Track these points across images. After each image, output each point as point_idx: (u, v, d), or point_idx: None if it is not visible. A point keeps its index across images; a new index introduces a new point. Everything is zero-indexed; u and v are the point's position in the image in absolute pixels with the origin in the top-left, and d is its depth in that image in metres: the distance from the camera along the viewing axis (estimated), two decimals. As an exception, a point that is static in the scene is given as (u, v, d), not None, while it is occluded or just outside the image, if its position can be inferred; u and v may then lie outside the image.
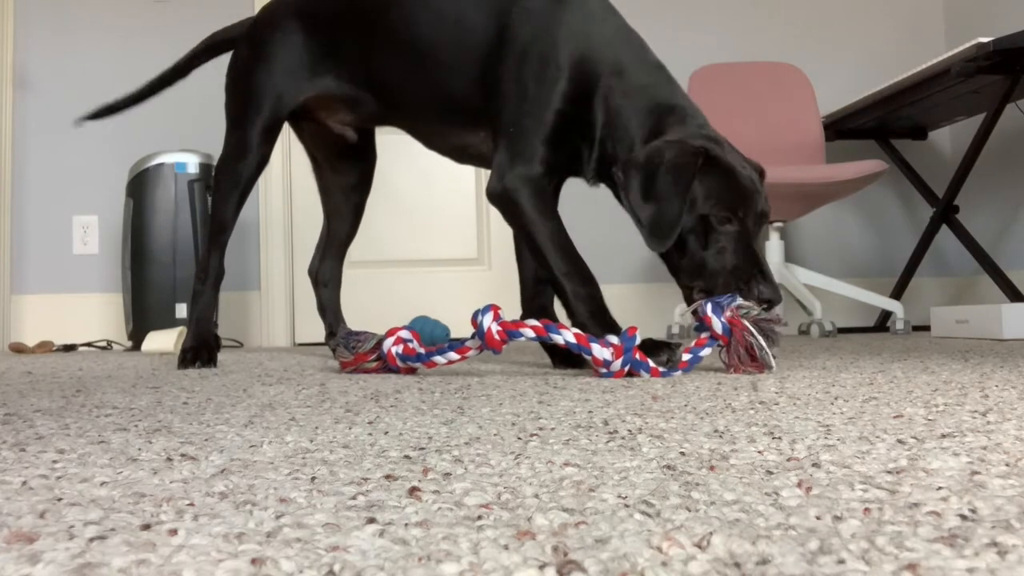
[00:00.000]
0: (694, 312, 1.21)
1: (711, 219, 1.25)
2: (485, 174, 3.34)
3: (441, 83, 1.46)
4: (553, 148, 1.34)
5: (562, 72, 1.33)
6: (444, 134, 1.53)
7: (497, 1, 1.41)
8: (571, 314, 1.30)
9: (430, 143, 1.59)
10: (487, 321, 1.17)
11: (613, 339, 1.16)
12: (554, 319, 1.51)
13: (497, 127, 1.38)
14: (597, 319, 1.27)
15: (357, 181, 1.86)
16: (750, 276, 1.24)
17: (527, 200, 1.32)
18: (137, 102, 1.89)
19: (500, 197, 1.35)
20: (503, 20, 1.39)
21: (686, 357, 1.20)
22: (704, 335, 1.20)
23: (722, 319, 1.18)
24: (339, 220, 1.87)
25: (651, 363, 1.16)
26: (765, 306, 1.21)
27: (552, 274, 1.31)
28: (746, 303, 1.19)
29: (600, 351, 1.14)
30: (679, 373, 1.19)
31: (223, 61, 1.88)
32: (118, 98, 1.90)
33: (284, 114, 1.66)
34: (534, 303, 1.53)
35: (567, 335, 1.15)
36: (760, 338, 1.16)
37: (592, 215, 3.24)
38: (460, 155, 1.57)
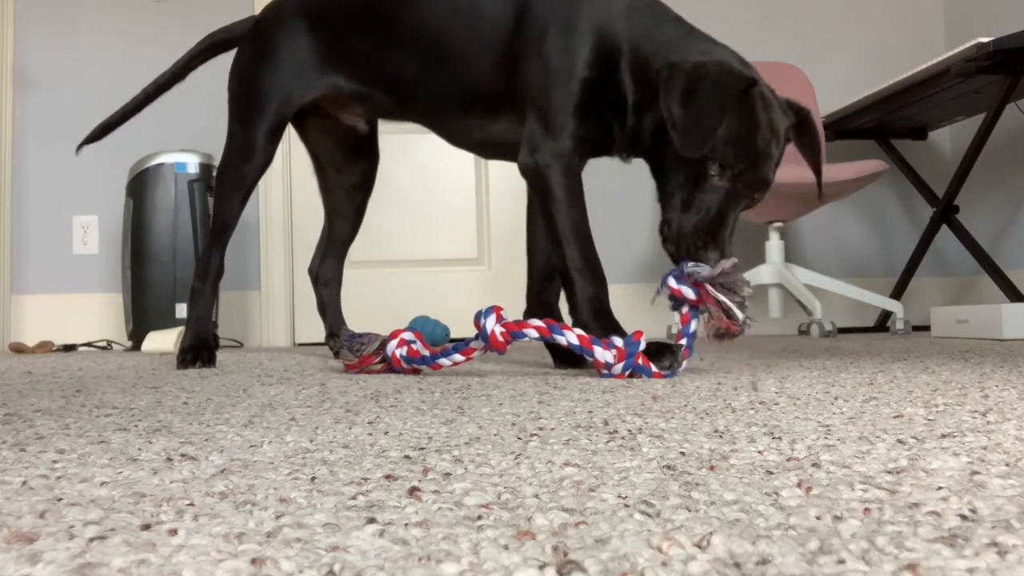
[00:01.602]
0: (662, 293, 1.20)
1: (709, 162, 1.20)
2: (486, 174, 3.34)
3: (459, 73, 1.44)
4: (583, 120, 1.32)
5: (585, 40, 1.32)
6: (467, 127, 1.51)
7: None
8: (574, 310, 1.29)
9: (455, 139, 1.57)
10: (490, 323, 1.17)
11: (618, 341, 1.15)
12: (558, 317, 1.51)
13: (524, 103, 1.36)
14: (600, 321, 1.26)
15: (359, 180, 1.85)
16: (704, 241, 1.21)
17: (558, 180, 1.31)
18: (135, 112, 1.85)
19: (532, 172, 1.33)
20: (519, 2, 1.38)
21: (681, 342, 1.19)
22: (684, 310, 1.19)
23: (689, 285, 1.16)
24: (340, 220, 1.87)
25: (653, 368, 1.15)
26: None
27: (565, 264, 1.30)
28: (694, 268, 1.16)
29: (602, 354, 1.14)
30: (684, 365, 1.19)
31: (223, 60, 1.88)
32: (114, 113, 1.86)
33: (291, 114, 1.65)
34: (538, 299, 1.52)
35: (570, 336, 1.15)
36: (722, 296, 1.14)
37: (593, 214, 3.24)
38: (485, 149, 1.55)
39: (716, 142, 1.18)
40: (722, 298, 1.14)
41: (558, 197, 1.31)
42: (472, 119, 1.48)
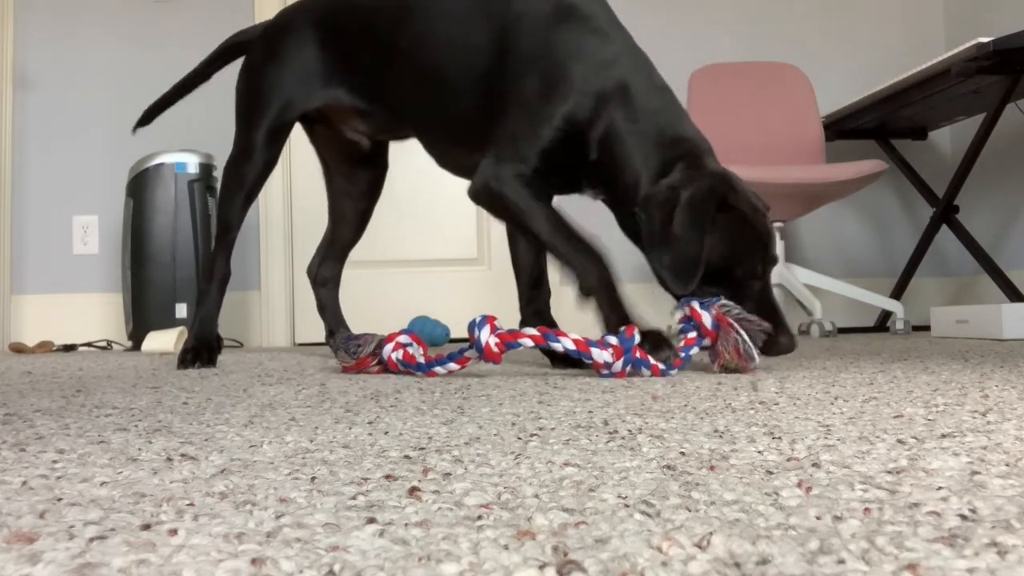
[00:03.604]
0: (680, 311, 1.22)
1: (734, 272, 1.24)
2: (485, 174, 3.34)
3: (449, 105, 1.44)
4: (545, 162, 1.31)
5: (566, 91, 1.30)
6: (456, 155, 1.51)
7: (499, 19, 1.38)
8: (581, 287, 1.28)
9: (445, 164, 1.57)
10: (484, 335, 1.17)
11: (612, 340, 1.15)
12: (551, 323, 1.51)
13: (492, 140, 1.35)
14: (605, 293, 1.25)
15: (366, 189, 1.86)
16: (772, 328, 1.24)
17: (511, 190, 1.29)
18: (169, 104, 1.90)
19: (481, 193, 1.32)
20: (505, 38, 1.37)
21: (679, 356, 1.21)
22: (692, 334, 1.20)
23: (711, 315, 1.18)
24: (344, 225, 1.87)
25: (652, 360, 1.16)
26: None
27: (559, 258, 1.29)
28: (728, 302, 1.20)
29: (600, 354, 1.14)
30: (675, 372, 1.20)
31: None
32: (157, 100, 1.91)
33: (291, 119, 1.65)
34: (530, 308, 1.53)
35: (566, 342, 1.15)
36: (744, 334, 1.17)
37: (592, 214, 3.24)
38: (472, 175, 1.55)
39: (728, 254, 1.23)
40: (744, 335, 1.17)
41: (516, 202, 1.29)
42: (460, 146, 1.48)
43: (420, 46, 1.47)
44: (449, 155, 1.54)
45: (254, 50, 1.72)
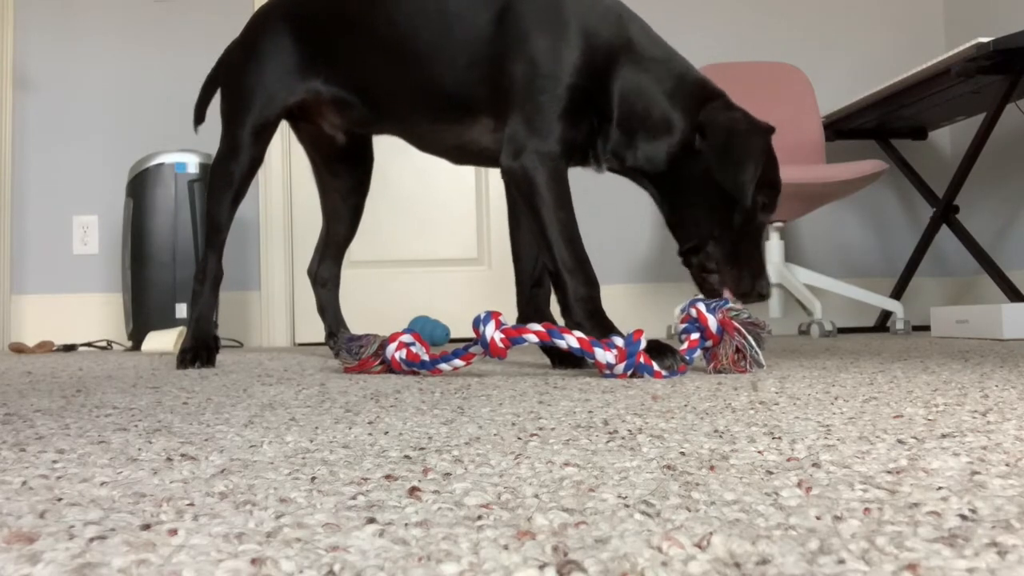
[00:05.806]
0: (685, 311, 1.22)
1: (756, 201, 1.30)
2: (486, 173, 3.34)
3: (432, 77, 1.44)
4: (570, 126, 1.32)
5: (574, 46, 1.32)
6: (440, 133, 1.50)
7: None
8: (566, 311, 1.28)
9: (426, 145, 1.56)
10: (489, 331, 1.17)
11: (618, 341, 1.15)
12: (551, 321, 1.51)
13: (506, 105, 1.35)
14: (594, 321, 1.26)
15: (354, 184, 1.86)
16: (757, 270, 1.32)
17: (545, 182, 1.29)
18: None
19: (516, 174, 1.31)
20: (502, 2, 1.38)
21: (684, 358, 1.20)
22: (695, 336, 1.20)
23: (716, 319, 1.18)
24: (337, 222, 1.88)
25: (655, 366, 1.15)
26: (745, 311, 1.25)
27: (555, 266, 1.29)
28: (736, 306, 1.21)
29: (603, 355, 1.14)
30: (679, 375, 1.20)
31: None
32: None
33: (274, 115, 1.65)
34: (530, 306, 1.53)
35: (570, 339, 1.15)
36: (751, 339, 1.18)
37: (593, 214, 3.24)
38: (459, 155, 1.54)
39: (759, 186, 1.30)
40: (751, 340, 1.19)
41: (546, 199, 1.29)
42: (445, 124, 1.47)
43: (396, 24, 1.47)
44: (433, 135, 1.52)
45: (234, 50, 1.74)
